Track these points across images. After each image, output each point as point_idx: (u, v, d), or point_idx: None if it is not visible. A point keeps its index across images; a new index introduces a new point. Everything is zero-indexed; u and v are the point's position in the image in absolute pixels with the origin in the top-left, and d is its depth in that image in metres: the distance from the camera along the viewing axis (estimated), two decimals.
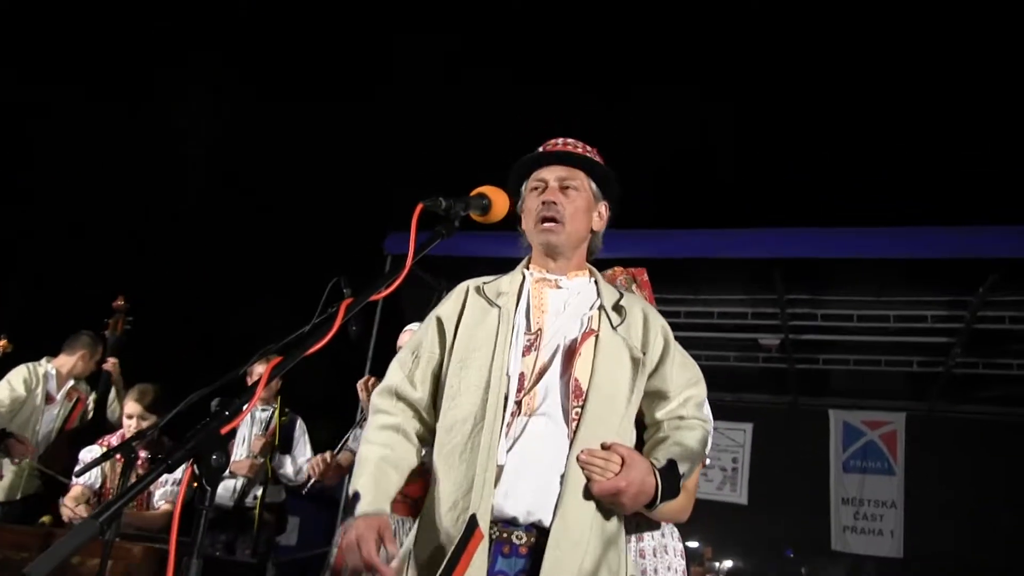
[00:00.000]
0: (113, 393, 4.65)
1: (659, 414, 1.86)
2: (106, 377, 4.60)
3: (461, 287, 1.91)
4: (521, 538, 1.66)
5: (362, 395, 3.45)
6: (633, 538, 2.17)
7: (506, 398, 1.70)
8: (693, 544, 7.66)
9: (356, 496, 1.71)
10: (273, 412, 4.47)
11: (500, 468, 1.66)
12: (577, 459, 1.66)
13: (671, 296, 7.36)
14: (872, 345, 7.47)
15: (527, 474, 1.66)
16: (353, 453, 3.36)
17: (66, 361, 4.61)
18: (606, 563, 1.67)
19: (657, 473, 1.69)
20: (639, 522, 2.15)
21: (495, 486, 1.65)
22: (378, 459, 1.77)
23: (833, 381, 8.41)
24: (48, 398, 4.47)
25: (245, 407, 1.16)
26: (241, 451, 4.47)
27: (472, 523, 1.60)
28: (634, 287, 2.41)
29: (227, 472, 4.39)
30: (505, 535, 1.66)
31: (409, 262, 1.44)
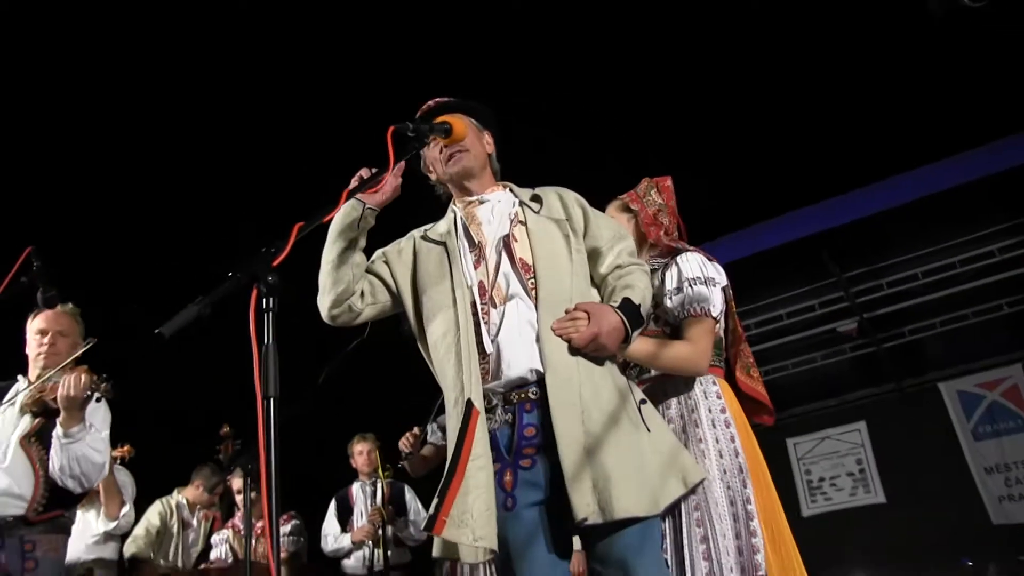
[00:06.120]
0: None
1: (602, 269, 2.15)
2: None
3: (408, 235, 2.27)
4: (537, 393, 1.91)
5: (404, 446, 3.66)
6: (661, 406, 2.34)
7: (473, 305, 2.01)
8: None
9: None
10: (378, 480, 4.78)
11: (489, 355, 1.95)
12: (552, 330, 1.93)
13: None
14: (950, 300, 7.13)
15: (516, 343, 1.94)
16: (434, 447, 3.63)
17: (190, 491, 5.15)
18: (606, 389, 1.92)
19: (618, 311, 1.97)
20: (665, 389, 2.36)
21: (493, 370, 1.94)
22: None
23: (929, 350, 7.92)
24: (185, 524, 4.96)
25: (283, 251, 1.52)
26: (360, 523, 4.80)
27: (468, 406, 1.89)
28: (653, 192, 2.63)
29: (350, 544, 4.72)
30: (523, 396, 1.93)
31: (390, 170, 1.84)
